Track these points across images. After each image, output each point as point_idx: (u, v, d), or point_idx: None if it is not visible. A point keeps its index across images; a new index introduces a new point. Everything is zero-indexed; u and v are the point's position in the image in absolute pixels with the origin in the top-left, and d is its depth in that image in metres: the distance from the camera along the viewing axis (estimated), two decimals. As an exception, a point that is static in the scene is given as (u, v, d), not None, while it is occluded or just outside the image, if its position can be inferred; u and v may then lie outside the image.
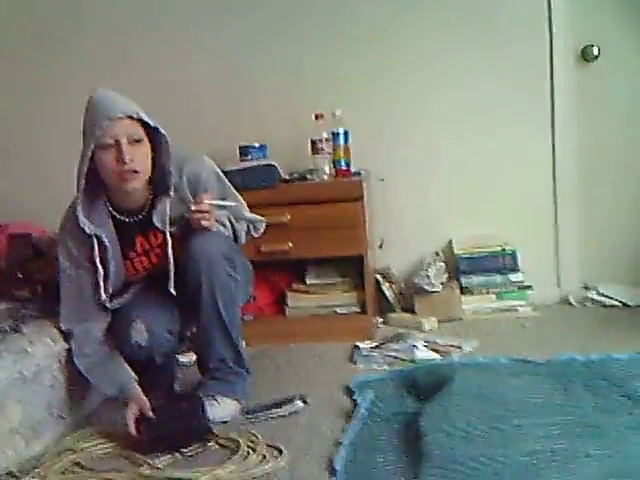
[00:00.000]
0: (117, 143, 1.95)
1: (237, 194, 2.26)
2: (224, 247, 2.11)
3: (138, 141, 1.99)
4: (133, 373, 2.07)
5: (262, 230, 2.34)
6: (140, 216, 2.12)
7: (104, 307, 2.12)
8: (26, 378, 1.91)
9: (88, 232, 2.04)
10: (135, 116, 1.97)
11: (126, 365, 2.08)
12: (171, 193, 2.09)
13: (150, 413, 1.95)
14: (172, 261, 2.10)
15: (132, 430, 1.93)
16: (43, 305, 2.20)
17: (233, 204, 2.19)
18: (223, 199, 2.17)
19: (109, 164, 1.98)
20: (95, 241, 2.06)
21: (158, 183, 2.10)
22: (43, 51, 3.35)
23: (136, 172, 1.99)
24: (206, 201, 2.07)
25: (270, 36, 3.19)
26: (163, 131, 2.04)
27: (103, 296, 2.08)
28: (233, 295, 2.13)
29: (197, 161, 2.18)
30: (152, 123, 2.01)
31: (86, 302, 2.10)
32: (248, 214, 2.27)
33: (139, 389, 2.02)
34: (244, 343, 2.27)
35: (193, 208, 2.07)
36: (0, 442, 1.82)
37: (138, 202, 2.11)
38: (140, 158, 2.00)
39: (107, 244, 2.06)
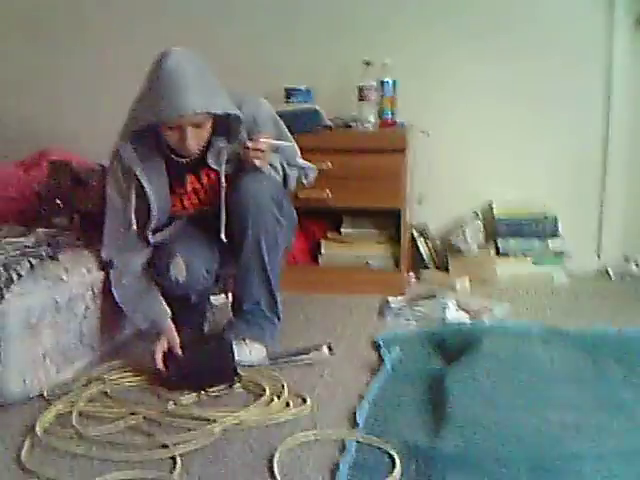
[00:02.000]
0: (181, 127, 1.95)
1: (292, 139, 2.24)
2: (274, 191, 2.11)
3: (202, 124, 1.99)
4: (168, 309, 2.09)
5: (312, 178, 2.32)
6: (194, 156, 2.11)
7: (146, 240, 2.13)
8: (60, 305, 1.94)
9: (132, 168, 2.05)
10: (205, 112, 1.94)
11: (162, 300, 2.10)
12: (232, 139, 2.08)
13: (179, 350, 1.97)
14: (224, 208, 2.10)
15: (159, 365, 1.95)
16: (80, 234, 2.22)
17: (289, 144, 2.18)
18: (279, 140, 2.16)
19: (170, 138, 1.99)
20: (139, 176, 2.06)
21: (216, 127, 2.08)
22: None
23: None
24: (262, 139, 2.05)
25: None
26: (233, 112, 2.01)
27: (134, 228, 2.08)
28: (277, 240, 2.14)
29: (254, 103, 2.16)
30: (221, 112, 1.98)
31: (128, 233, 2.10)
32: (300, 161, 2.25)
33: (172, 325, 2.04)
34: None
35: (249, 145, 2.05)
36: (33, 365, 1.86)
37: None
38: (202, 137, 2.01)
39: (145, 183, 2.06)
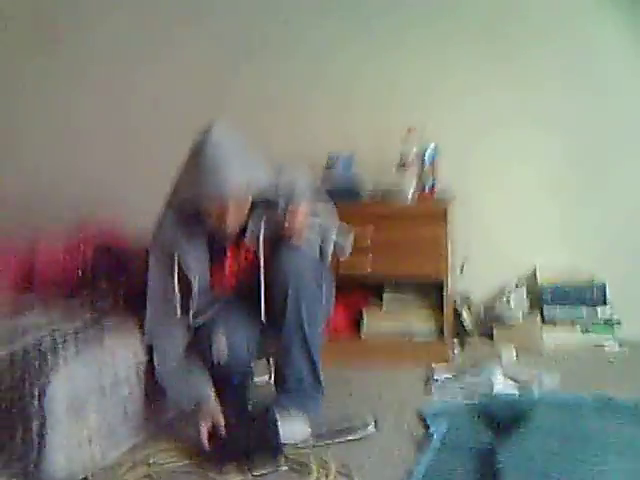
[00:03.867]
0: (222, 205, 1.99)
1: (330, 209, 2.24)
2: (313, 264, 2.12)
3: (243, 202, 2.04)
4: (211, 389, 2.09)
5: (347, 253, 2.32)
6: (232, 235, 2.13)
7: (187, 322, 2.15)
8: (105, 388, 1.96)
9: (173, 252, 2.08)
10: (245, 195, 2.00)
11: (205, 380, 2.10)
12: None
13: (223, 430, 1.96)
14: (264, 289, 2.11)
15: (205, 445, 1.94)
16: (125, 317, 2.25)
17: (325, 221, 2.17)
18: (315, 214, 2.16)
19: (209, 217, 2.03)
20: (180, 259, 2.09)
21: (253, 208, 2.10)
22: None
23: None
24: (300, 217, 2.06)
25: (370, 48, 3.18)
26: (271, 195, 2.06)
27: (179, 313, 2.11)
28: (317, 313, 2.15)
29: (293, 172, 2.18)
30: (260, 195, 2.03)
31: (171, 317, 2.13)
32: (335, 236, 2.24)
33: (216, 405, 2.03)
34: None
35: (287, 225, 2.06)
36: (78, 448, 1.86)
37: None
38: (240, 215, 2.05)
39: (186, 265, 2.09)
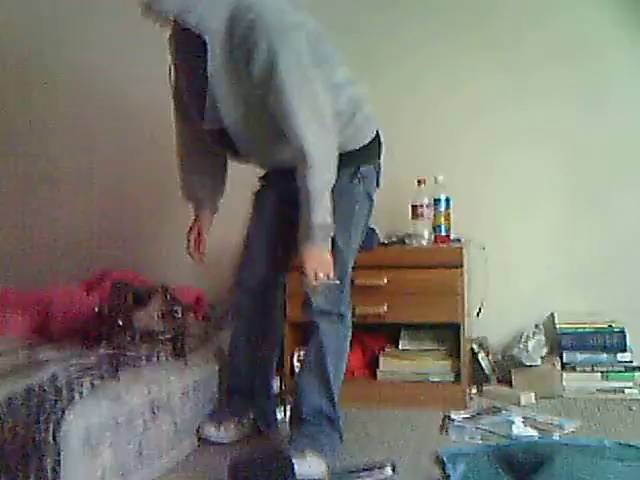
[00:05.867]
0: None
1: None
2: (331, 301, 2.15)
3: None
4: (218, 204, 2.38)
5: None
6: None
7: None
8: (120, 425, 1.94)
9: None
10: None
11: (214, 197, 2.38)
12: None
13: (205, 236, 2.33)
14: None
15: (191, 250, 2.33)
16: (140, 353, 2.25)
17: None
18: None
19: None
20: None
21: None
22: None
23: None
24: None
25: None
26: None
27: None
28: (341, 350, 2.18)
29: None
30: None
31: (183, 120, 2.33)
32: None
33: (209, 214, 2.37)
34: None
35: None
36: (91, 485, 1.84)
37: None
38: None
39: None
